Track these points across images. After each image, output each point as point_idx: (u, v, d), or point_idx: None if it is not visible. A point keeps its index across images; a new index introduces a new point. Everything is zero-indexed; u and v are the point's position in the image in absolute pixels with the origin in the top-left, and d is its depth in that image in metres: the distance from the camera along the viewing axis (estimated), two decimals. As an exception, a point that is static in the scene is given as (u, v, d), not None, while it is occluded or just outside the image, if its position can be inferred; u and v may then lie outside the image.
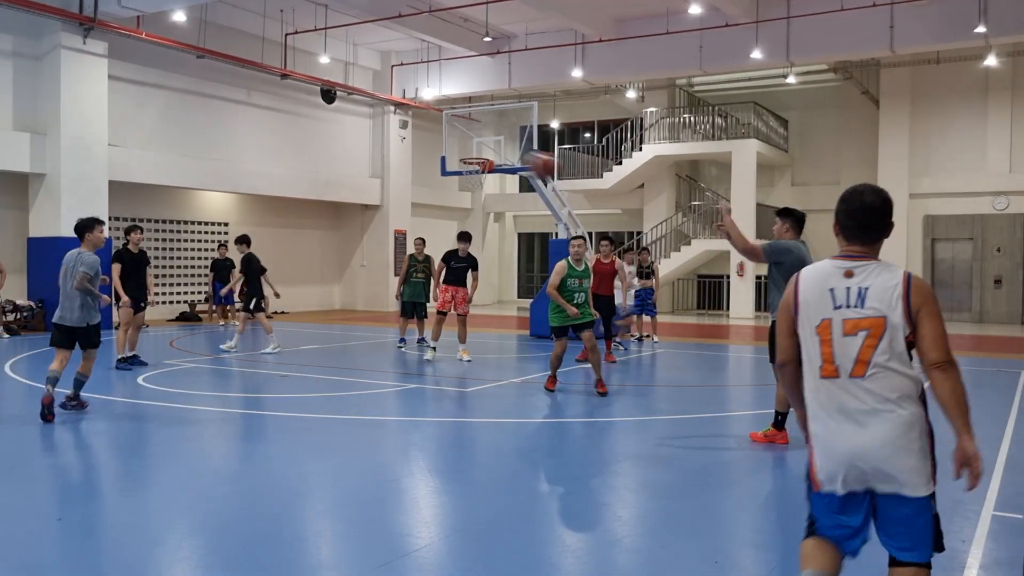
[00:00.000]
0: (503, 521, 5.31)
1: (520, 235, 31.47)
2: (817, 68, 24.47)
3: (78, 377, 8.38)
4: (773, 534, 5.08)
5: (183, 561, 4.57)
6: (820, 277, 3.17)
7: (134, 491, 5.97)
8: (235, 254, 20.97)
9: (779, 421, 7.35)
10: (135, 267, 11.82)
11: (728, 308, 24.76)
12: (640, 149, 25.66)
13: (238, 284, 15.18)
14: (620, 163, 26.18)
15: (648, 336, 16.53)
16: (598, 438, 7.85)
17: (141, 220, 20.36)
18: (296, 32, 21.42)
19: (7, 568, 4.40)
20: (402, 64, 24.80)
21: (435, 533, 5.02)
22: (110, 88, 17.92)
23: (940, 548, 3.18)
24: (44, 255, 17.23)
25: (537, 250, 30.94)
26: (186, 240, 21.58)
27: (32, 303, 17.08)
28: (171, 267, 21.08)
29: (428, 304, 14.36)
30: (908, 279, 3.06)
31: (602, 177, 26.56)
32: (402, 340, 14.60)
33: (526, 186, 26.72)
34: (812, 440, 3.22)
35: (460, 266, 12.98)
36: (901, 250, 23.50)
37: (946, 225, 23.87)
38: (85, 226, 8.61)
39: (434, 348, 12.94)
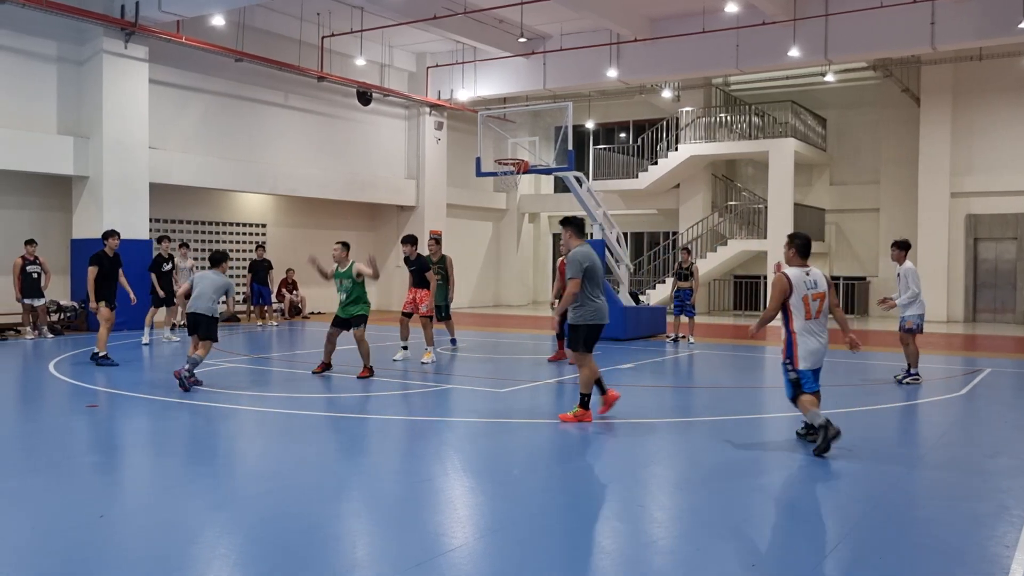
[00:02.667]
0: (538, 521, 5.31)
1: (555, 236, 31.41)
2: (856, 66, 24.16)
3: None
4: (810, 538, 5.02)
5: (220, 559, 4.62)
6: (798, 275, 7.26)
7: (172, 488, 6.05)
8: (283, 254, 21.24)
9: (585, 402, 8.22)
10: (112, 270, 12.49)
11: (764, 309, 24.49)
12: (676, 149, 25.51)
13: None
14: (655, 163, 26.05)
15: (684, 337, 16.42)
16: (633, 439, 7.81)
17: (181, 222, 20.67)
18: (332, 35, 21.59)
19: (51, 563, 4.48)
20: (437, 65, 24.89)
21: (470, 533, 5.03)
22: (151, 92, 18.20)
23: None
24: (87, 256, 17.52)
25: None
26: (224, 241, 21.83)
27: (75, 304, 17.38)
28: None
29: (451, 305, 14.44)
30: (825, 275, 7.38)
31: (637, 177, 26.45)
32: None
33: (561, 187, 26.68)
34: (799, 345, 7.20)
35: (412, 269, 13.11)
36: (943, 251, 23.11)
37: (989, 225, 23.42)
38: (220, 258, 10.83)
39: (404, 348, 13.01)
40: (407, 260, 13.23)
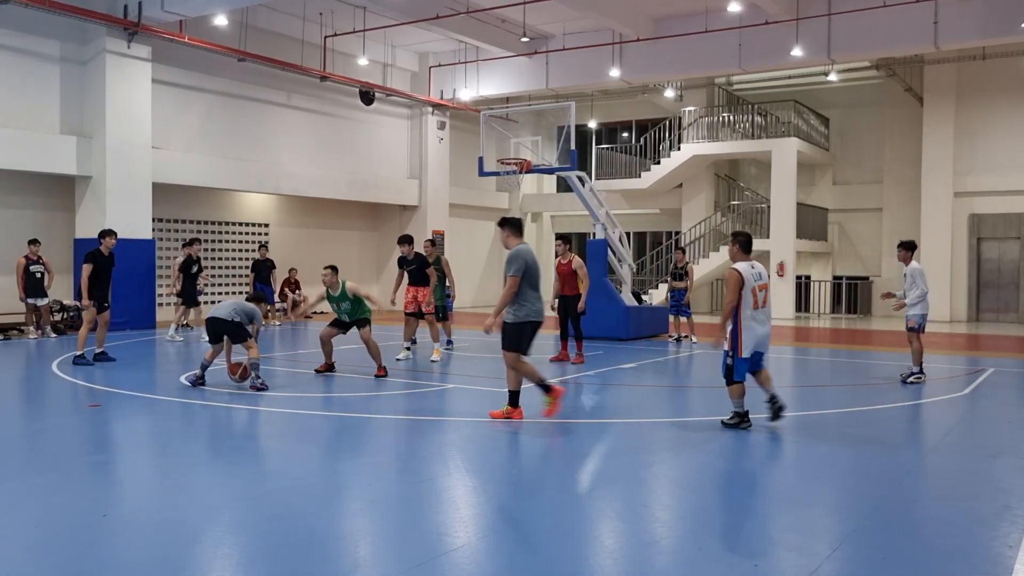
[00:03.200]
0: (541, 521, 5.30)
1: (558, 235, 31.32)
2: (859, 65, 24.14)
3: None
4: (814, 537, 5.01)
5: (223, 558, 4.62)
6: (747, 268, 7.86)
7: (174, 488, 6.05)
8: (286, 253, 21.26)
9: (514, 399, 8.26)
10: (106, 269, 12.36)
11: (767, 314, 24.47)
12: (678, 148, 25.50)
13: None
14: (658, 163, 26.04)
15: (686, 337, 16.42)
16: (636, 438, 7.80)
17: (184, 221, 20.69)
18: (335, 34, 21.60)
19: (57, 563, 4.48)
20: (440, 65, 24.90)
21: (472, 533, 5.03)
22: (153, 91, 18.22)
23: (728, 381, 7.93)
24: (90, 256, 17.57)
25: (575, 250, 30.70)
26: (228, 241, 21.85)
27: (78, 303, 17.37)
28: (213, 267, 21.35)
29: (449, 306, 14.53)
30: (762, 267, 8.05)
31: (640, 177, 26.45)
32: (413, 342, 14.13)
33: (564, 186, 26.67)
34: (744, 333, 7.74)
35: (411, 268, 13.33)
36: (946, 250, 23.08)
37: (992, 224, 23.39)
38: (259, 298, 11.15)
39: (408, 347, 13.20)
40: (403, 260, 13.41)
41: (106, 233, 12.51)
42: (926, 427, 8.99)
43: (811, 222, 25.50)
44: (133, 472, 6.63)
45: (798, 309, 24.52)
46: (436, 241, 14.46)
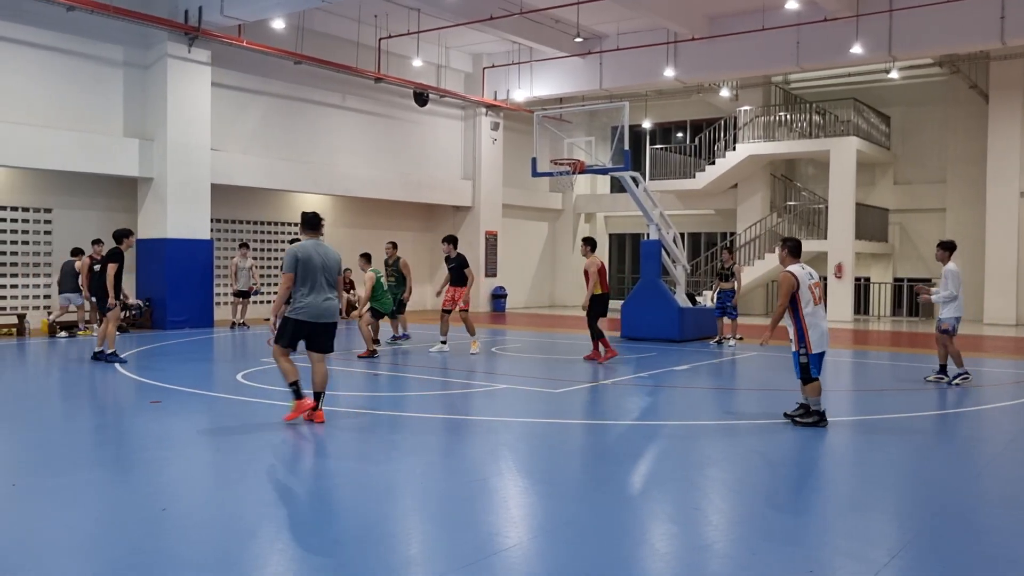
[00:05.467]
0: (592, 523, 5.27)
1: (611, 236, 31.26)
2: (922, 62, 23.60)
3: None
4: (871, 543, 4.90)
5: (278, 553, 4.68)
6: (799, 269, 8.09)
7: (229, 485, 6.15)
8: (340, 254, 21.52)
9: (296, 392, 8.03)
10: (124, 268, 12.64)
11: (825, 310, 24.03)
12: (734, 148, 25.20)
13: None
14: (713, 163, 25.76)
15: (727, 339, 16.13)
16: (688, 441, 7.72)
17: (240, 222, 21.05)
18: (389, 36, 21.79)
19: (115, 556, 4.59)
20: (493, 66, 24.96)
21: (523, 533, 5.02)
22: (212, 95, 18.58)
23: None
24: (152, 255, 18.01)
25: (629, 251, 30.68)
26: (283, 241, 22.17)
27: (140, 302, 17.84)
28: (269, 267, 21.70)
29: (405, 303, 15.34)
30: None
31: (694, 177, 26.19)
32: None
33: (617, 187, 26.52)
34: (810, 330, 8.00)
35: (451, 267, 14.23)
36: (1012, 252, 22.40)
37: (1061, 225, 22.62)
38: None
39: (443, 342, 14.12)
40: (447, 259, 14.21)
41: (127, 233, 12.77)
42: (990, 433, 8.74)
43: (871, 223, 24.98)
44: (191, 467, 6.75)
45: (856, 312, 24.02)
46: (396, 244, 15.36)
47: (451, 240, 14.18)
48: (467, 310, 14.15)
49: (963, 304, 11.19)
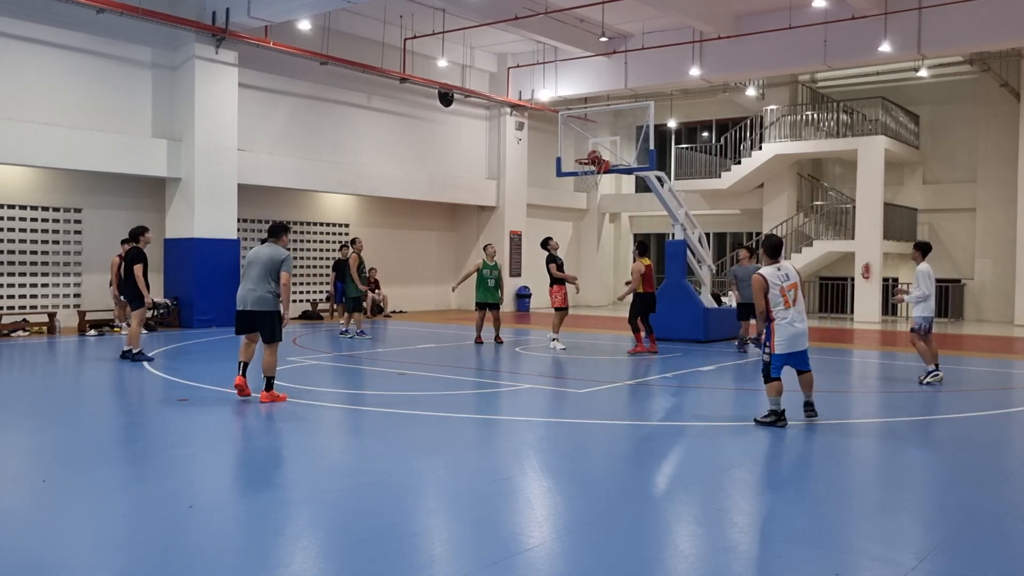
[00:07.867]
0: (616, 523, 5.26)
1: (636, 236, 31.13)
2: (951, 60, 23.32)
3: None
4: (899, 547, 4.84)
5: (303, 551, 4.71)
6: (771, 271, 8.14)
7: (255, 482, 6.19)
8: (365, 253, 21.61)
9: (270, 384, 9.07)
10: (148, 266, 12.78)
11: (852, 311, 23.84)
12: (760, 148, 25.02)
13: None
14: (739, 162, 25.60)
15: (751, 340, 15.97)
16: (713, 441, 7.68)
17: (266, 222, 21.18)
18: (414, 37, 21.86)
19: (144, 551, 4.64)
20: (518, 66, 24.96)
21: (548, 533, 5.02)
22: (239, 95, 18.73)
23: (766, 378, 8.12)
24: (179, 255, 18.20)
25: (654, 251, 30.36)
26: (309, 241, 22.31)
27: (168, 301, 18.01)
28: (295, 267, 21.83)
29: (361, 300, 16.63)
30: (792, 267, 8.33)
31: (720, 177, 26.04)
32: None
33: (642, 186, 26.42)
34: (776, 332, 8.02)
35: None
36: (1043, 251, 22.07)
37: (1094, 225, 22.24)
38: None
39: (554, 338, 14.87)
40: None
41: (144, 230, 12.88)
42: (1019, 435, 8.62)
43: (899, 223, 24.71)
44: (217, 465, 6.81)
45: (884, 312, 23.78)
46: (348, 244, 16.59)
47: (543, 243, 15.93)
48: (563, 307, 15.20)
49: (933, 304, 11.54)
